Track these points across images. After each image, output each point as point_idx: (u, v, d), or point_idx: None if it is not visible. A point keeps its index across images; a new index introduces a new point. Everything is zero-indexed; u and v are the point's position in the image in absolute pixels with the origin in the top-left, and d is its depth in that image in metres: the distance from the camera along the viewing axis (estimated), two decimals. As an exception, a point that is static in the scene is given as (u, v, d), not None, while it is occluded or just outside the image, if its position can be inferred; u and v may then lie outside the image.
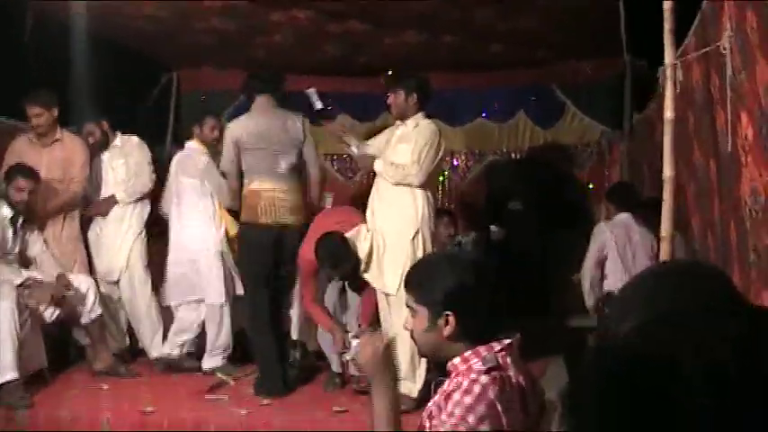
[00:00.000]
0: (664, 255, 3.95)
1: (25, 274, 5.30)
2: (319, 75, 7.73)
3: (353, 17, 6.39)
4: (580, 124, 7.78)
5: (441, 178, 8.14)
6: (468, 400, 2.01)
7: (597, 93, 7.66)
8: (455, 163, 8.16)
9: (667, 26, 3.95)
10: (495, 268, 2.29)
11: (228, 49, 7.20)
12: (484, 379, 2.03)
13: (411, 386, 4.71)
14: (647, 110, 6.37)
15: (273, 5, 6.15)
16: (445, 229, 6.69)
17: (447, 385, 2.14)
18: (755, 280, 3.42)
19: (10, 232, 5.43)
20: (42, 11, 6.15)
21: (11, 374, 4.88)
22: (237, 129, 5.36)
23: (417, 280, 2.29)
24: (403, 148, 5.13)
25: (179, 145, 7.56)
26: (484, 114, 8.05)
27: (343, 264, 4.91)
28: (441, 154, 5.26)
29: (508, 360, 2.11)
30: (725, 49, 3.58)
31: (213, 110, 7.95)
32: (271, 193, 5.19)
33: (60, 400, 4.96)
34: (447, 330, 2.15)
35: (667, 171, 3.93)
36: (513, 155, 7.89)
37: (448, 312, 2.15)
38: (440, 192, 8.10)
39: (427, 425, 2.14)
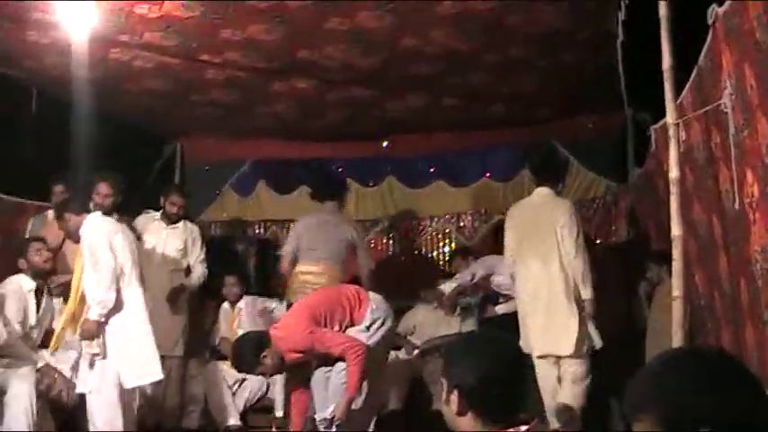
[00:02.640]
0: (677, 313, 3.91)
1: (45, 358, 5.29)
2: (322, 141, 7.83)
3: (355, 84, 6.44)
4: (585, 180, 7.76)
5: (447, 240, 8.15)
6: None
7: (600, 147, 7.67)
8: (461, 224, 8.12)
9: (667, 86, 3.96)
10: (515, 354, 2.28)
11: (231, 119, 7.25)
12: None
13: None
14: (646, 165, 6.37)
15: (274, 76, 6.20)
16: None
17: None
18: (770, 339, 3.38)
19: (32, 306, 5.41)
20: (45, 89, 6.21)
21: None
22: (300, 224, 6.46)
23: (445, 352, 2.38)
24: None
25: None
26: (487, 174, 8.05)
27: (242, 368, 5.07)
28: None
29: None
30: (725, 107, 3.58)
31: (218, 180, 8.13)
32: (305, 276, 5.77)
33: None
34: (453, 406, 2.18)
35: (675, 230, 3.90)
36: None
37: (454, 389, 2.18)
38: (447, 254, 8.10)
39: None
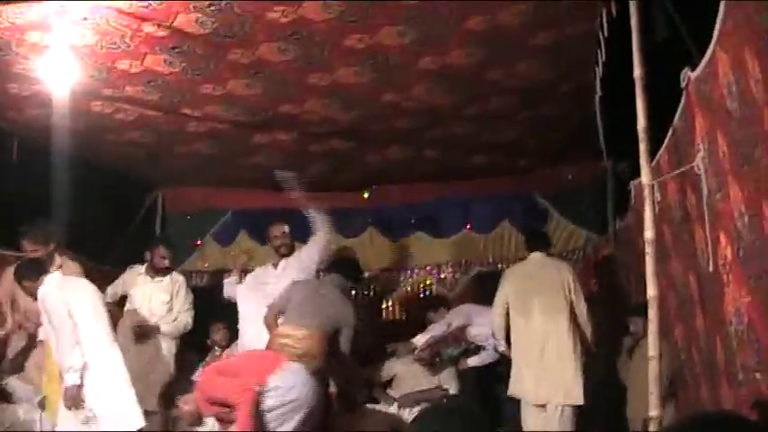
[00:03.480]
0: (652, 374, 3.92)
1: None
2: (302, 191, 7.82)
3: (336, 137, 6.48)
4: (565, 230, 7.79)
5: (427, 292, 8.14)
6: None
7: (580, 198, 7.73)
8: (441, 275, 8.13)
9: (642, 147, 4.01)
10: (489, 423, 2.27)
11: (213, 170, 7.27)
12: None
13: None
14: (626, 219, 6.42)
15: (256, 129, 6.23)
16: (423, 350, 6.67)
17: None
18: (746, 397, 3.38)
19: None
20: (26, 138, 6.21)
21: None
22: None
23: (416, 421, 2.34)
24: None
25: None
26: (468, 226, 8.07)
27: None
28: None
29: None
30: (699, 169, 3.63)
31: (200, 229, 8.09)
32: (285, 339, 5.29)
33: None
34: None
35: (651, 291, 3.93)
36: (499, 266, 7.82)
37: None
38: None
39: None
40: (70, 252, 5.93)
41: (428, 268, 8.19)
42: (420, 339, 6.79)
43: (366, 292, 8.21)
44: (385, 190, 8.06)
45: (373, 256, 8.16)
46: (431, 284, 8.16)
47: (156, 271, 6.61)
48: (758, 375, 3.21)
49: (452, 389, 6.61)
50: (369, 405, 6.50)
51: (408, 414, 6.40)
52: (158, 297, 6.52)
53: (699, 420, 1.78)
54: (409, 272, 8.23)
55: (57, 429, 5.14)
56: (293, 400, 4.79)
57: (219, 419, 4.85)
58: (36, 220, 5.84)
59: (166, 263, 6.63)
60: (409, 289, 8.23)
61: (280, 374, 4.83)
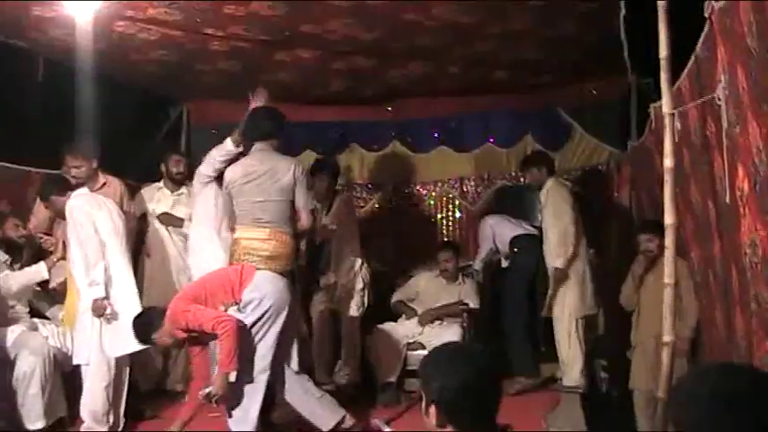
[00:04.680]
0: (667, 300, 4.00)
1: (39, 325, 5.54)
2: (325, 105, 7.86)
3: (357, 54, 6.46)
4: (588, 146, 7.79)
5: (450, 205, 8.22)
6: None
7: (603, 114, 7.67)
8: (465, 188, 8.19)
9: (664, 75, 4.00)
10: (491, 365, 2.35)
11: (236, 86, 7.25)
12: None
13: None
14: (644, 139, 6.39)
15: (278, 46, 6.22)
16: (448, 262, 6.77)
17: None
18: (757, 329, 3.47)
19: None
20: (51, 57, 6.26)
21: (40, 423, 5.07)
22: (228, 174, 5.33)
23: (421, 366, 2.41)
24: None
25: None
26: (491, 140, 8.09)
27: (140, 343, 4.95)
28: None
29: None
30: (719, 100, 3.62)
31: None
32: (248, 242, 5.12)
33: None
34: (432, 419, 2.27)
35: (669, 219, 3.98)
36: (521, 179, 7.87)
37: (431, 403, 2.27)
38: (450, 219, 8.19)
39: None
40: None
41: (451, 182, 8.25)
42: (478, 264, 7.12)
43: (389, 206, 8.32)
44: (408, 104, 8.03)
45: (396, 170, 8.23)
46: (453, 198, 8.23)
47: (175, 183, 6.63)
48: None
49: (473, 303, 6.74)
50: (388, 323, 6.71)
51: (429, 330, 6.59)
52: (180, 211, 6.55)
53: (713, 373, 1.83)
54: (432, 185, 8.29)
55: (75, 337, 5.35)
56: (269, 307, 4.79)
57: (192, 342, 4.87)
58: (78, 137, 5.95)
59: (182, 168, 6.62)
60: (432, 203, 8.31)
61: (251, 287, 4.83)
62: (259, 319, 4.78)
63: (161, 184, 6.69)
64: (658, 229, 5.62)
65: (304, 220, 5.27)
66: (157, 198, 6.61)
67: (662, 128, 5.59)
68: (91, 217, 5.25)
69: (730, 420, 1.67)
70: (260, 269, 4.96)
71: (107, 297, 5.17)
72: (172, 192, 6.65)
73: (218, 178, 5.65)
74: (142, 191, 6.62)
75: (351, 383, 6.50)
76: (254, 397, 4.78)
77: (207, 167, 5.71)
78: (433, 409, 2.26)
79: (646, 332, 5.32)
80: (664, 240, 5.46)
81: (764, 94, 2.96)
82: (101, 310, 5.14)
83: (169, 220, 6.52)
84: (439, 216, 8.28)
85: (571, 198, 6.51)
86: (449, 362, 2.32)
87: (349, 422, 5.10)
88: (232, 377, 4.65)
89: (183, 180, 6.64)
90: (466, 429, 2.25)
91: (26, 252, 5.80)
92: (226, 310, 4.76)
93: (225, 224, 5.63)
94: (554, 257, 6.37)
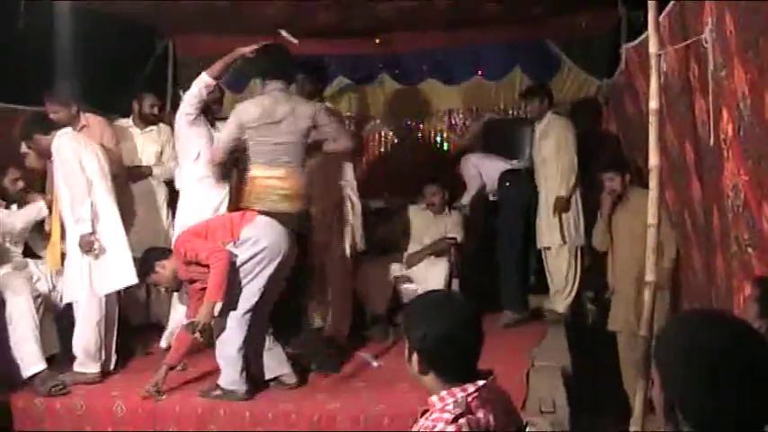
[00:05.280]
0: (651, 240, 4.05)
1: (31, 265, 5.53)
2: (314, 38, 7.77)
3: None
4: (577, 79, 7.77)
5: (438, 138, 8.22)
6: None
7: (593, 46, 7.66)
8: (453, 121, 8.18)
9: (651, 15, 3.99)
10: (473, 313, 2.40)
11: (223, 20, 7.19)
12: (450, 429, 2.17)
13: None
14: (615, 79, 6.40)
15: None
16: (434, 196, 6.78)
17: (420, 424, 2.29)
18: (738, 270, 3.53)
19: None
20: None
21: (39, 365, 5.07)
22: (243, 113, 5.28)
23: (404, 315, 2.48)
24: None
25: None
26: (480, 72, 8.05)
27: (139, 276, 5.21)
28: None
29: (478, 402, 2.25)
30: (706, 42, 3.62)
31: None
32: (267, 181, 5.20)
33: (74, 387, 5.09)
34: (415, 366, 2.33)
35: (653, 160, 4.00)
36: (510, 112, 7.88)
37: (414, 350, 2.32)
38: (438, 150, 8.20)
39: None
40: (94, 110, 6.00)
41: (439, 114, 8.23)
42: (466, 198, 7.10)
43: (378, 139, 8.31)
44: (396, 37, 7.97)
45: (384, 103, 8.21)
46: (442, 131, 8.22)
47: (145, 121, 6.48)
48: (750, 250, 3.34)
49: (459, 237, 6.77)
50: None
51: (416, 271, 6.65)
52: (150, 148, 6.45)
53: (693, 323, 1.86)
54: (420, 118, 8.28)
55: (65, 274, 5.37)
56: (263, 249, 4.87)
57: (192, 282, 4.97)
58: (57, 81, 5.87)
59: (156, 111, 6.51)
60: (420, 135, 8.30)
61: (250, 227, 4.93)
62: (253, 257, 4.86)
63: (129, 121, 6.50)
64: (621, 167, 5.70)
65: (345, 141, 5.50)
66: (127, 136, 6.39)
67: (632, 69, 5.64)
68: (78, 154, 5.24)
69: (707, 372, 1.71)
70: (276, 209, 5.08)
71: (93, 233, 5.19)
72: (141, 130, 6.48)
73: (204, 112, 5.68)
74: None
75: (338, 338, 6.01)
76: (235, 335, 4.87)
77: (189, 106, 5.63)
78: (415, 357, 2.31)
79: (622, 273, 5.40)
80: (626, 179, 5.57)
81: (751, 41, 2.97)
82: (89, 245, 5.16)
83: (137, 173, 6.37)
84: (427, 150, 8.25)
85: (573, 129, 6.57)
86: (431, 311, 2.36)
87: (290, 380, 5.18)
88: (217, 309, 4.75)
89: (155, 121, 6.50)
90: (448, 376, 2.31)
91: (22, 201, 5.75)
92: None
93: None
94: (558, 186, 6.45)
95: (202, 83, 5.56)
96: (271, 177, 5.19)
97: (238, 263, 4.84)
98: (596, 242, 5.78)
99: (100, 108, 6.21)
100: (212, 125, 5.84)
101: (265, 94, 5.34)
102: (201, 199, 5.63)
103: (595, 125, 7.56)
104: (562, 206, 6.44)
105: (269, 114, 5.19)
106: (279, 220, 5.03)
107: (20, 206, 5.66)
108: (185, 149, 5.76)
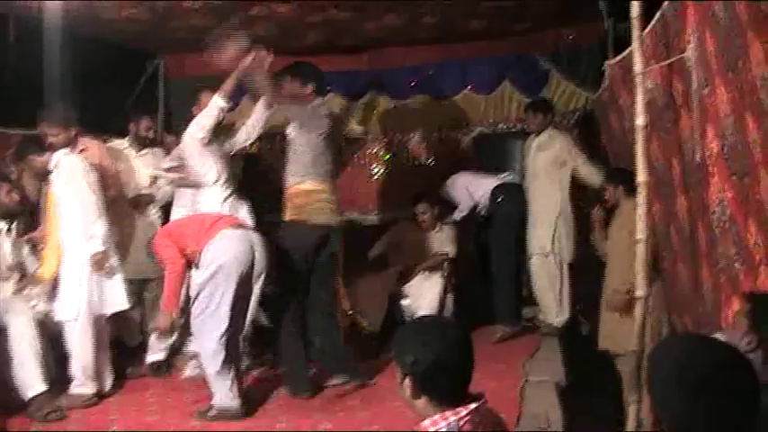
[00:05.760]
0: (640, 255, 4.09)
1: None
2: (303, 56, 7.80)
3: (333, 7, 6.42)
4: (565, 92, 7.80)
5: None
6: None
7: (580, 59, 7.69)
8: (441, 136, 8.20)
9: (636, 33, 4.03)
10: (463, 337, 2.44)
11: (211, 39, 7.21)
12: None
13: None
14: (600, 94, 6.46)
15: (253, 1, 6.18)
16: (425, 213, 6.82)
17: None
18: (725, 285, 3.56)
19: (6, 246, 5.53)
20: (23, 16, 6.20)
21: (40, 387, 5.06)
22: (291, 128, 5.62)
23: (395, 340, 2.49)
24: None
25: (169, 131, 7.70)
26: (468, 86, 8.09)
27: None
28: None
29: (470, 426, 2.29)
30: (689, 60, 3.66)
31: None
32: (320, 195, 5.51)
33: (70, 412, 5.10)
34: (407, 391, 2.37)
35: (641, 177, 4.04)
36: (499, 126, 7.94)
37: (405, 376, 2.37)
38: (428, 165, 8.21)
39: None
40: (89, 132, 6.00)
41: (429, 129, 8.22)
42: (458, 215, 7.11)
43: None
44: (385, 53, 8.04)
45: (375, 119, 8.24)
46: (432, 145, 8.22)
47: (141, 144, 6.48)
48: (737, 265, 3.38)
49: (451, 253, 6.81)
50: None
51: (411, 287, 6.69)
52: (144, 171, 6.44)
53: (684, 345, 1.93)
54: (411, 133, 8.27)
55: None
56: (222, 265, 4.89)
57: None
58: (54, 103, 5.89)
59: (152, 135, 6.53)
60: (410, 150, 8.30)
61: (208, 246, 4.96)
62: (210, 278, 4.90)
63: (125, 142, 6.50)
64: (611, 179, 5.75)
65: None
66: (122, 158, 6.39)
67: (616, 85, 5.69)
68: (86, 173, 5.35)
69: (695, 394, 1.76)
70: (323, 220, 5.46)
71: (106, 251, 5.31)
72: (137, 152, 6.48)
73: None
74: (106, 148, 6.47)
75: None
76: (217, 355, 4.93)
77: (203, 130, 5.68)
78: (407, 382, 2.35)
79: (610, 287, 5.40)
80: (618, 191, 5.61)
81: (731, 62, 3.01)
82: (100, 264, 5.24)
83: (139, 201, 6.39)
84: (418, 164, 8.26)
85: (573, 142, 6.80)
86: (422, 336, 2.40)
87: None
88: (174, 317, 4.98)
89: (150, 144, 6.53)
90: (440, 400, 2.34)
91: (20, 219, 5.71)
92: (192, 260, 5.01)
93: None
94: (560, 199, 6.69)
95: (217, 109, 5.68)
96: (324, 191, 5.52)
97: (197, 287, 4.94)
98: (597, 246, 5.88)
99: (91, 129, 6.22)
100: None
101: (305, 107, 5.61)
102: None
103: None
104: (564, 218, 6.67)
105: (314, 127, 5.57)
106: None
107: (23, 222, 5.68)
108: (202, 173, 5.78)
